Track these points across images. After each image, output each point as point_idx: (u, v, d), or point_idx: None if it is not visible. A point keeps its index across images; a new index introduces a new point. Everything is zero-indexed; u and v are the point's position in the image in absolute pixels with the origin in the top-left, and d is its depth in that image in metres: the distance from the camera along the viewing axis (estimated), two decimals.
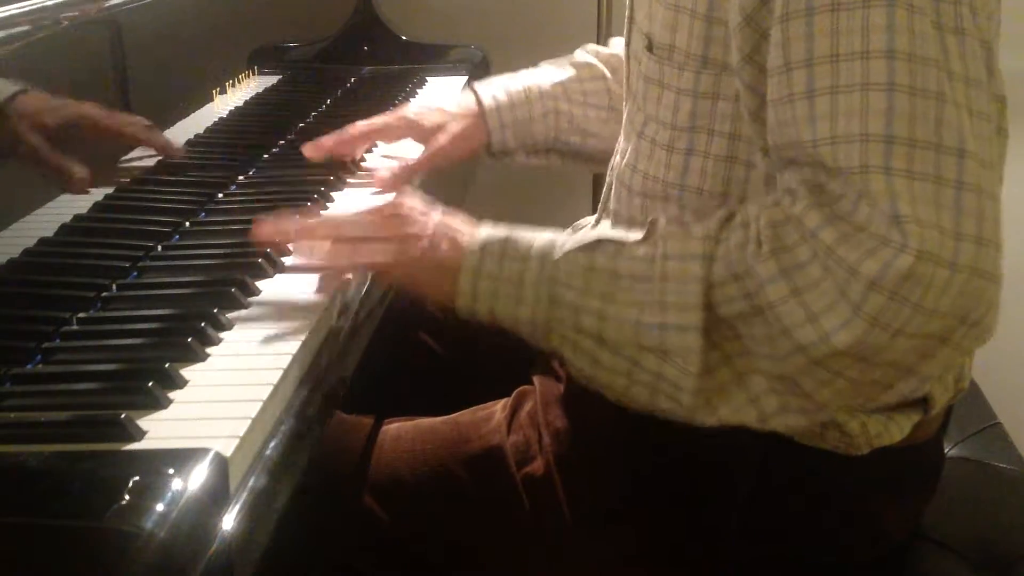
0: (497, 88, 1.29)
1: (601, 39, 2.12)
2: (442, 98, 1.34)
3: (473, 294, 0.89)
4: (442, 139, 1.28)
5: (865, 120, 0.75)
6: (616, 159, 1.04)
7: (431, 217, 0.94)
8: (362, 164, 1.32)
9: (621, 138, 1.04)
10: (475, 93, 1.29)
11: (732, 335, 0.82)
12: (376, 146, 1.36)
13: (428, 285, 0.94)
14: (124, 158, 1.23)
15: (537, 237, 0.90)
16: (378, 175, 1.26)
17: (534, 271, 0.88)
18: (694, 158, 0.92)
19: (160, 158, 1.26)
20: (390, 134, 1.32)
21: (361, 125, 1.30)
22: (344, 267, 0.96)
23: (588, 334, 0.86)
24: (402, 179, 1.25)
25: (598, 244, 0.87)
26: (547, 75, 1.30)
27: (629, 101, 1.02)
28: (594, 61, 1.30)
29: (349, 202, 1.20)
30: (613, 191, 1.03)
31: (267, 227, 0.97)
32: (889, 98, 0.75)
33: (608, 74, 1.29)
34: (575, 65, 1.30)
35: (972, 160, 0.75)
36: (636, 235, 0.87)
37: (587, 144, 1.30)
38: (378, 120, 1.32)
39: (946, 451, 1.10)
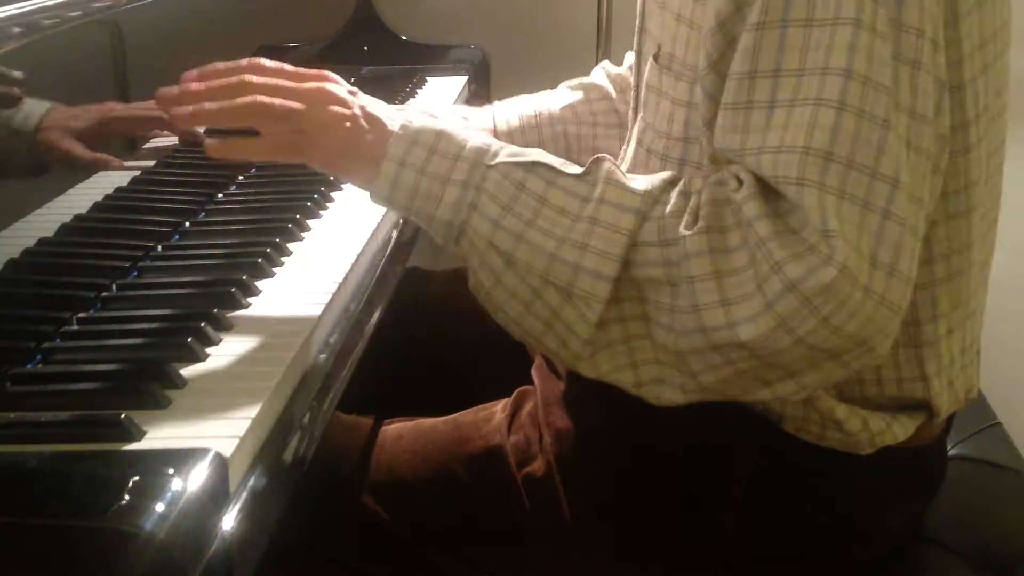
0: (511, 112, 1.28)
1: (601, 39, 2.12)
2: (451, 105, 1.32)
3: (394, 182, 0.88)
4: None
5: (810, 133, 0.76)
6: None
7: (353, 104, 0.92)
8: None
9: (625, 147, 1.04)
10: (493, 114, 1.28)
11: (635, 296, 0.82)
12: None
13: (347, 170, 0.92)
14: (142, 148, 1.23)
15: (471, 138, 0.89)
16: None
17: (463, 173, 0.87)
18: (687, 168, 0.92)
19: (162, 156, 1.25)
20: None
21: None
22: (260, 155, 0.95)
23: (499, 251, 0.85)
24: None
25: (534, 165, 0.86)
26: (560, 98, 1.29)
27: (638, 109, 1.02)
28: (603, 83, 1.30)
29: (349, 203, 1.20)
30: None
31: (182, 111, 0.92)
32: (837, 116, 0.75)
33: (614, 93, 1.28)
34: (584, 87, 1.30)
35: (903, 192, 0.75)
36: (574, 168, 0.86)
37: None
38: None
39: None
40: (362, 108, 0.92)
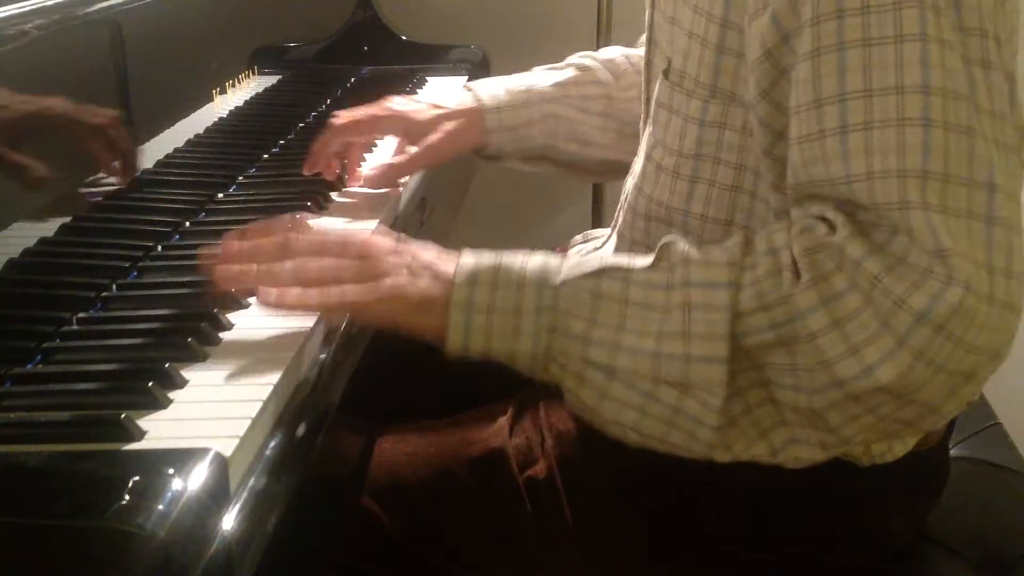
0: (496, 87, 1.23)
1: (601, 39, 2.12)
2: (434, 94, 1.29)
3: (466, 329, 0.84)
4: (434, 137, 1.20)
5: (902, 155, 0.74)
6: (628, 180, 1.03)
7: (404, 253, 0.87)
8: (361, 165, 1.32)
9: (637, 157, 1.03)
10: (473, 91, 1.23)
11: (748, 366, 0.80)
12: (376, 145, 1.35)
13: (411, 324, 0.86)
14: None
15: (529, 262, 0.84)
16: (366, 175, 1.22)
17: (531, 299, 0.83)
18: (699, 185, 0.91)
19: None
20: (379, 127, 1.24)
21: (346, 116, 1.21)
22: (314, 309, 0.89)
23: (597, 366, 0.82)
24: (391, 178, 1.22)
25: (602, 271, 0.83)
26: (546, 76, 1.25)
27: (648, 122, 1.00)
28: (593, 64, 1.26)
29: (349, 203, 1.20)
30: (623, 212, 1.02)
31: (226, 271, 0.89)
32: (925, 133, 0.74)
33: (611, 79, 1.24)
34: (575, 66, 1.26)
35: (1002, 194, 0.75)
36: (643, 260, 0.83)
37: (585, 153, 1.25)
38: (364, 112, 1.22)
39: None
40: (412, 260, 0.86)
